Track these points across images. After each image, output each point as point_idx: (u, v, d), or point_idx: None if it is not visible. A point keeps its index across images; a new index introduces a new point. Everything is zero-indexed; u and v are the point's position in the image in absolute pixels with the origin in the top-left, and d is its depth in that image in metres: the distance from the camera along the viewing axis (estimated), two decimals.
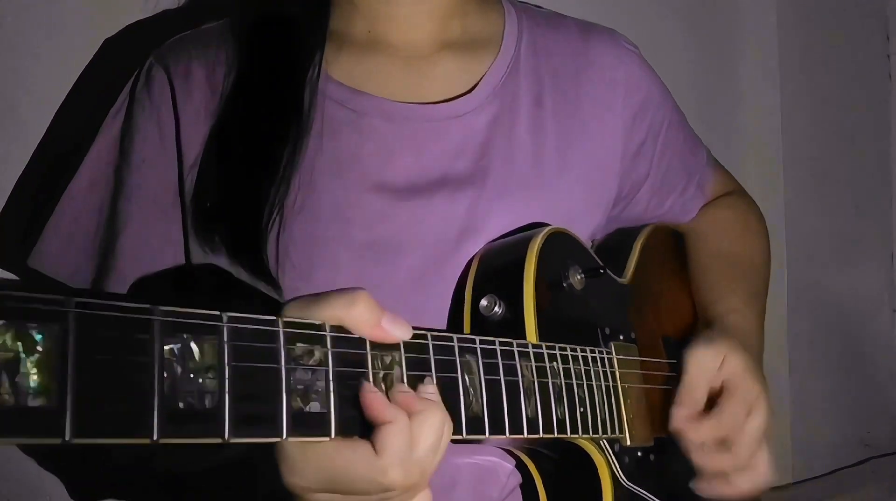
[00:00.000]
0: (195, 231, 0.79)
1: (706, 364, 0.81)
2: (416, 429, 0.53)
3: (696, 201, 1.01)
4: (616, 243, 0.96)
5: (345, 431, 0.51)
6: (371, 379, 0.53)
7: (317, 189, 0.78)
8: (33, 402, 0.32)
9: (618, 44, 0.92)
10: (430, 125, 0.81)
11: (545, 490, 0.77)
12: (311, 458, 0.52)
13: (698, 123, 1.04)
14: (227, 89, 0.79)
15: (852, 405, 1.71)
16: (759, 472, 0.80)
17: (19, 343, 0.32)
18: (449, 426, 0.56)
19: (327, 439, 0.50)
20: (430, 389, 0.56)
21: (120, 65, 0.91)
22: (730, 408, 0.79)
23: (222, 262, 0.78)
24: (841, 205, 1.72)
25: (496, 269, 0.77)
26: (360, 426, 0.52)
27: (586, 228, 0.88)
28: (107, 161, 0.83)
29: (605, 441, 0.75)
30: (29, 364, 0.32)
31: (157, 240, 0.80)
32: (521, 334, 0.72)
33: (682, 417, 0.79)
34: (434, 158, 0.81)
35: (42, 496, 0.94)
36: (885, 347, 1.78)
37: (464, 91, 0.84)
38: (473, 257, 0.79)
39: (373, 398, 0.52)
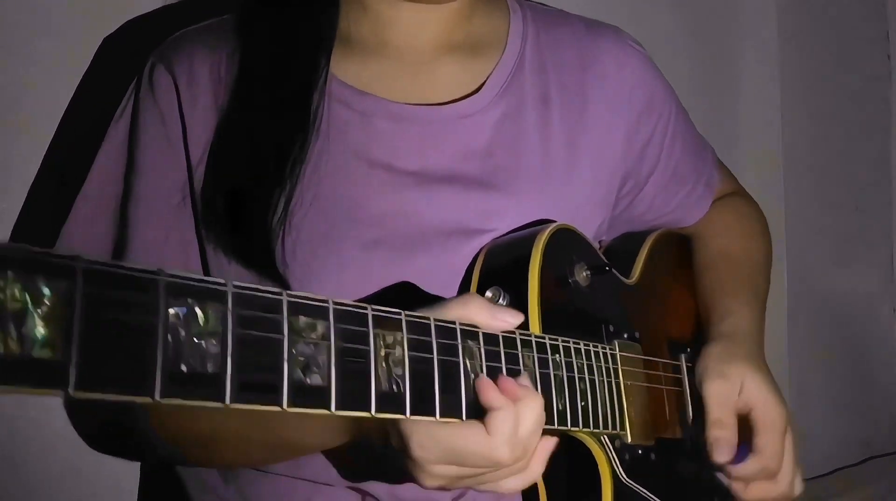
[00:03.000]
0: (205, 232, 0.79)
1: (726, 396, 0.83)
2: (520, 414, 0.61)
3: (704, 202, 1.00)
4: (624, 246, 0.96)
5: (345, 405, 0.51)
6: (373, 357, 0.54)
7: (323, 190, 0.78)
8: (39, 353, 0.32)
9: (624, 43, 0.92)
10: (436, 127, 0.82)
11: (544, 483, 0.76)
12: (436, 437, 0.60)
13: (698, 123, 1.04)
14: (232, 89, 0.79)
15: (852, 405, 1.71)
16: (796, 491, 0.85)
17: (27, 295, 0.32)
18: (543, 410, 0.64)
19: (327, 412, 0.50)
20: (525, 381, 0.64)
21: (122, 63, 0.90)
22: (770, 444, 0.82)
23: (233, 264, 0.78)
24: (841, 205, 1.72)
25: (502, 263, 0.77)
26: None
27: (591, 225, 0.88)
28: (115, 166, 0.82)
29: (605, 436, 0.76)
30: (36, 316, 0.32)
31: (168, 245, 0.80)
32: (524, 328, 0.71)
33: (725, 459, 0.82)
34: (441, 160, 0.81)
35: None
36: (885, 347, 1.77)
37: (470, 92, 0.84)
38: (480, 250, 0.79)
39: (486, 385, 0.61)
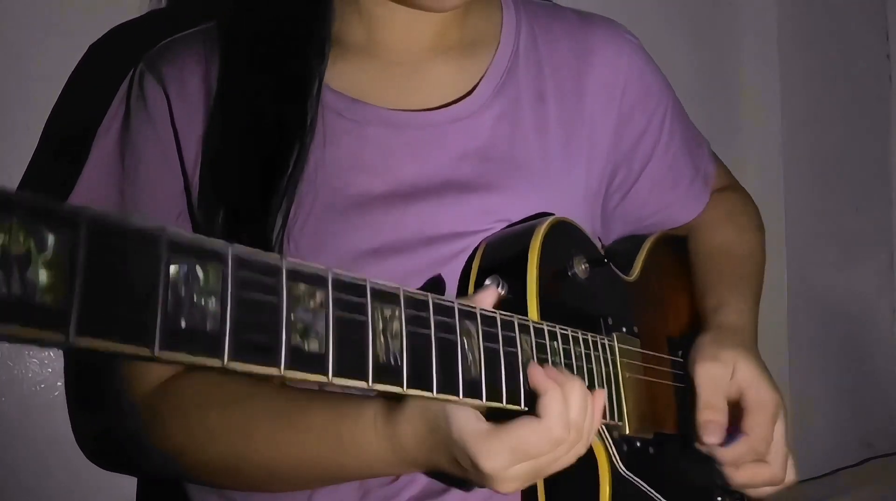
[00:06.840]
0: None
1: (718, 379, 0.83)
2: (567, 395, 0.64)
3: (702, 197, 1.00)
4: (624, 247, 0.97)
5: (342, 372, 0.51)
6: (371, 329, 0.54)
7: (319, 200, 0.77)
8: (41, 298, 0.33)
9: (618, 34, 0.92)
10: (431, 132, 0.81)
11: None
12: (500, 439, 0.63)
13: (698, 123, 1.04)
14: (223, 100, 0.77)
15: (852, 405, 1.71)
16: (788, 478, 0.84)
17: (32, 241, 0.33)
18: (590, 397, 0.67)
19: (325, 378, 0.50)
20: (563, 369, 0.69)
21: (109, 70, 0.89)
22: (759, 426, 0.82)
23: None
24: (841, 205, 1.72)
25: (500, 254, 0.77)
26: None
27: (589, 221, 0.88)
28: (106, 177, 0.81)
29: (603, 427, 0.75)
30: (40, 262, 0.33)
31: None
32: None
33: (714, 441, 0.82)
34: (437, 164, 0.80)
35: None
36: (885, 347, 1.77)
37: (464, 93, 0.83)
38: (479, 244, 0.79)
39: (536, 371, 0.65)
